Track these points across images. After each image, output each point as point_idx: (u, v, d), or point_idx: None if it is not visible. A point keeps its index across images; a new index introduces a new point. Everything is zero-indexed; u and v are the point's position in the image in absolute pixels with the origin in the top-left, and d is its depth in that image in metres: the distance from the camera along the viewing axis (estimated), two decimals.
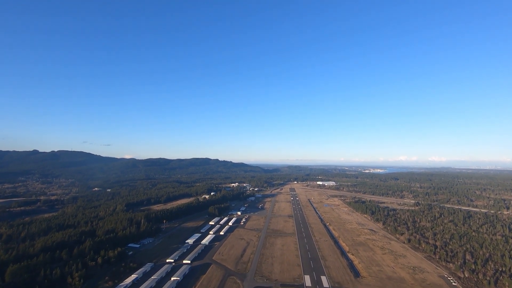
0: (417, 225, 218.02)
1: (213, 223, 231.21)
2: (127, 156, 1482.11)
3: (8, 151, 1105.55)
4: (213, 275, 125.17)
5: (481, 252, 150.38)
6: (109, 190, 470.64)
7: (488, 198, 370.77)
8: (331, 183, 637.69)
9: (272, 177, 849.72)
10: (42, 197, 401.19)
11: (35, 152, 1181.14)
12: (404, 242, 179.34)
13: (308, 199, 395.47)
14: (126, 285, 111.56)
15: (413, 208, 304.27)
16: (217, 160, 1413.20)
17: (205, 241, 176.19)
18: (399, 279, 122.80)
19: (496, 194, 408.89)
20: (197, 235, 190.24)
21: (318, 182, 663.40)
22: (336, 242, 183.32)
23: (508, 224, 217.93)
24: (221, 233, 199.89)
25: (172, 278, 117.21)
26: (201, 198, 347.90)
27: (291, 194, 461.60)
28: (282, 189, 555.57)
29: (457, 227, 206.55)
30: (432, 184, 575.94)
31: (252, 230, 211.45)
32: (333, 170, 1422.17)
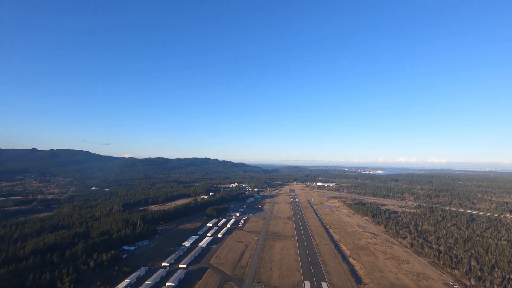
0: (420, 229, 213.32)
1: (211, 225, 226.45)
2: (127, 155, 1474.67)
3: (6, 149, 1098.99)
4: (209, 281, 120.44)
5: (486, 258, 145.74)
6: (107, 189, 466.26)
7: (490, 201, 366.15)
8: (331, 184, 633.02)
9: (271, 177, 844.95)
10: (39, 196, 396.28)
11: (34, 150, 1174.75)
12: (406, 247, 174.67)
13: (308, 200, 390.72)
14: None
15: (414, 210, 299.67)
16: (217, 160, 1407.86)
17: (202, 243, 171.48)
18: (402, 287, 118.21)
19: (498, 197, 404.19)
20: (194, 237, 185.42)
21: (317, 183, 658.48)
22: (336, 245, 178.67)
23: None
24: (219, 235, 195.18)
25: (167, 284, 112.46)
26: (199, 199, 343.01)
27: (290, 195, 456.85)
28: (281, 189, 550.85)
29: (461, 231, 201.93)
30: (432, 186, 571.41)
31: (251, 233, 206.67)
32: (333, 171, 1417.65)
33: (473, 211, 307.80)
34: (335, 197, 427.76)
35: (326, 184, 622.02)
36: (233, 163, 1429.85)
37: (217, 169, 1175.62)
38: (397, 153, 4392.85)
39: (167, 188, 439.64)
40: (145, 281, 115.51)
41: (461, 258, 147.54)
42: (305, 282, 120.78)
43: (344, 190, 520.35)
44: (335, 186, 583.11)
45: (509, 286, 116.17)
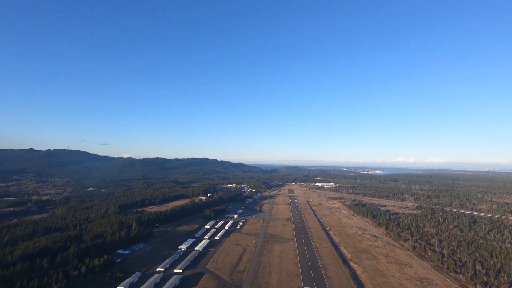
0: (421, 231, 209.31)
1: (208, 227, 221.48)
2: (125, 155, 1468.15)
3: (3, 149, 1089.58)
4: (205, 287, 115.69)
5: (491, 262, 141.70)
6: (103, 190, 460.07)
7: (491, 201, 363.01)
8: (330, 184, 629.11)
9: (270, 177, 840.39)
10: (34, 197, 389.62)
11: (31, 150, 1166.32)
12: (408, 250, 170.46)
13: (307, 201, 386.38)
14: None
15: (415, 212, 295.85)
16: (215, 160, 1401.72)
17: (199, 247, 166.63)
18: None
19: (498, 198, 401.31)
20: (191, 240, 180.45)
21: (317, 184, 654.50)
22: (337, 248, 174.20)
23: None
24: (217, 238, 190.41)
25: None
26: (197, 200, 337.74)
27: (289, 195, 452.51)
28: (280, 190, 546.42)
29: (463, 234, 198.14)
30: (432, 187, 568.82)
31: (249, 235, 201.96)
32: (332, 171, 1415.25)
33: (474, 212, 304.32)
34: (335, 198, 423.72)
35: (325, 185, 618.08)
36: (232, 163, 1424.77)
37: (215, 169, 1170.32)
38: (395, 153, 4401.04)
39: (165, 189, 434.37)
40: (139, 287, 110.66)
41: (466, 262, 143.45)
42: None
43: (344, 191, 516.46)
44: (334, 187, 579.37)
45: None
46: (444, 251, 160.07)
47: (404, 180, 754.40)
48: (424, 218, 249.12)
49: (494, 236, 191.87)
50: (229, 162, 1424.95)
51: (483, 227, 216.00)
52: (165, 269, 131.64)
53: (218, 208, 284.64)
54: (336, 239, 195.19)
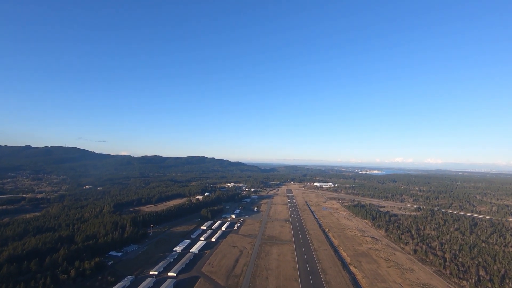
0: (422, 233, 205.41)
1: (205, 228, 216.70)
2: (123, 153, 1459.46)
3: None
4: None
5: (495, 267, 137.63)
6: (100, 188, 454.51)
7: (491, 203, 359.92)
8: (329, 184, 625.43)
9: (268, 177, 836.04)
10: (29, 195, 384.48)
11: (27, 147, 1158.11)
12: (409, 253, 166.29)
13: (306, 202, 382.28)
14: None
15: (415, 213, 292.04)
16: (213, 158, 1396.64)
17: (195, 249, 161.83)
18: None
19: (497, 200, 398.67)
20: (186, 242, 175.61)
21: (315, 183, 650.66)
22: (336, 251, 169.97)
23: None
24: (213, 239, 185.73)
25: None
26: (194, 199, 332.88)
27: (288, 195, 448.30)
28: (278, 190, 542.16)
29: (465, 237, 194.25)
30: (431, 188, 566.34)
31: (246, 236, 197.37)
32: (330, 171, 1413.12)
33: (474, 214, 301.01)
34: (333, 198, 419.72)
35: (323, 185, 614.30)
36: (230, 162, 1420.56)
37: (213, 168, 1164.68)
38: (394, 153, 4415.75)
39: (162, 188, 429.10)
40: None
41: (468, 267, 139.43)
42: None
43: (342, 191, 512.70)
44: (333, 187, 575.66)
45: None
46: (446, 255, 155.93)
47: (402, 181, 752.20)
48: (424, 220, 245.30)
49: (496, 240, 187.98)
50: (227, 160, 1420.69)
51: (485, 230, 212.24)
52: (159, 273, 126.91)
53: (215, 208, 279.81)
54: (335, 242, 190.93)
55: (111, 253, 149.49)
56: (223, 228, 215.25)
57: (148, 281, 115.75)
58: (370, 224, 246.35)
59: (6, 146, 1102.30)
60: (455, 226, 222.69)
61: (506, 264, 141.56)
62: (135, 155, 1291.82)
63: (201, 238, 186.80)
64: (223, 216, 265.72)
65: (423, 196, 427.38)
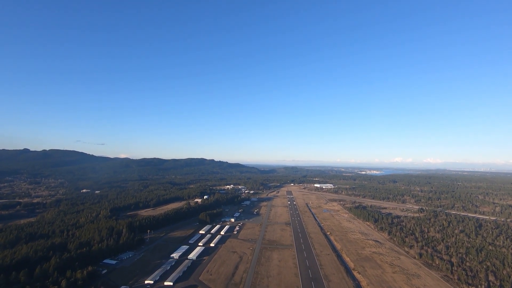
0: (426, 236, 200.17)
1: (203, 232, 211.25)
2: (122, 156, 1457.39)
3: None
4: None
5: (505, 272, 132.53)
6: (97, 192, 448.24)
7: (494, 203, 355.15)
8: (329, 185, 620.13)
9: (268, 178, 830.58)
10: (25, 199, 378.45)
11: (25, 151, 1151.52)
12: (415, 257, 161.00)
13: (306, 204, 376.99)
14: None
15: (417, 215, 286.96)
16: (213, 160, 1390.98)
17: (193, 255, 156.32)
18: None
19: (500, 199, 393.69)
20: (184, 248, 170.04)
21: (315, 185, 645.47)
22: (339, 256, 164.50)
23: None
24: (212, 244, 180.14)
25: None
26: (192, 203, 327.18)
27: (288, 197, 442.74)
28: (278, 192, 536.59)
29: (471, 239, 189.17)
30: (432, 188, 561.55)
31: (246, 241, 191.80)
32: (330, 172, 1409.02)
33: (477, 215, 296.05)
34: (334, 200, 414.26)
35: (324, 186, 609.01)
36: (230, 163, 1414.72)
37: (213, 170, 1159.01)
38: (393, 153, 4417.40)
39: (160, 191, 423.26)
40: None
41: (477, 271, 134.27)
42: None
43: (343, 192, 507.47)
44: (333, 188, 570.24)
45: None
46: (453, 259, 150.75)
47: (403, 181, 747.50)
48: (428, 222, 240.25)
49: (503, 242, 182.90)
50: (226, 162, 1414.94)
51: (490, 232, 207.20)
52: (155, 282, 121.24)
53: (214, 211, 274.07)
54: (338, 246, 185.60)
55: (106, 261, 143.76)
56: (222, 233, 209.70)
57: None
58: (372, 227, 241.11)
59: (4, 150, 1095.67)
60: (460, 228, 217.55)
61: None
62: (134, 158, 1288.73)
63: (199, 244, 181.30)
64: (222, 219, 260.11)
65: (425, 196, 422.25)
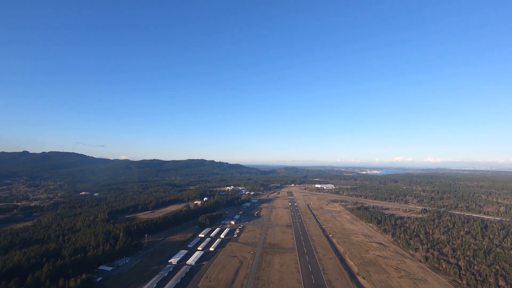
0: (431, 238, 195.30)
1: (202, 236, 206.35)
2: (122, 157, 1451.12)
3: None
4: None
5: None
6: (96, 194, 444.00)
7: (497, 203, 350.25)
8: (330, 186, 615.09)
9: (268, 179, 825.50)
10: (23, 202, 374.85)
11: (25, 153, 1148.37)
12: (420, 261, 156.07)
13: (307, 205, 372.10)
14: None
15: (421, 215, 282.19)
16: (213, 161, 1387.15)
17: (191, 260, 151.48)
18: None
19: (504, 199, 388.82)
20: (183, 252, 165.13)
21: (316, 185, 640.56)
22: (342, 260, 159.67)
23: None
24: (211, 248, 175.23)
25: None
26: (192, 205, 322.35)
27: (288, 198, 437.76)
28: (279, 192, 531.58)
29: (477, 241, 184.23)
30: (434, 188, 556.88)
31: (246, 245, 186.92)
32: (330, 172, 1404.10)
33: (482, 215, 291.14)
34: (335, 201, 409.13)
35: (325, 186, 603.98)
36: (230, 164, 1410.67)
37: (213, 171, 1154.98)
38: (393, 152, 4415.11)
39: (159, 193, 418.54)
40: None
41: (486, 276, 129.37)
42: None
43: (344, 193, 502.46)
44: (334, 188, 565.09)
45: None
46: (460, 263, 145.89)
47: (404, 181, 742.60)
48: (432, 223, 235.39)
49: (511, 244, 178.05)
50: (227, 163, 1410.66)
51: (497, 233, 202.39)
52: None
53: (214, 214, 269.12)
54: (341, 249, 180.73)
55: (101, 267, 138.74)
56: (222, 236, 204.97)
57: None
58: (375, 228, 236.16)
59: (3, 152, 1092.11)
60: (465, 229, 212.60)
61: None
62: (134, 159, 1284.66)
63: (198, 248, 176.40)
64: (222, 222, 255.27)
65: (427, 196, 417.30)
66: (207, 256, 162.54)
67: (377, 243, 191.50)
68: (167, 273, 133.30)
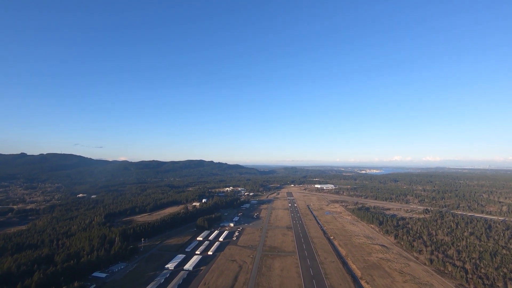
0: (434, 239, 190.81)
1: (201, 239, 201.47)
2: (121, 159, 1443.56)
3: None
4: None
5: None
6: (94, 196, 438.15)
7: (499, 202, 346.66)
8: (330, 186, 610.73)
9: (268, 179, 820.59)
10: (20, 205, 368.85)
11: (22, 155, 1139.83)
12: (425, 264, 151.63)
13: (307, 205, 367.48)
14: None
15: (423, 216, 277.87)
16: (212, 162, 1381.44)
17: (189, 265, 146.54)
18: None
19: (505, 198, 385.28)
20: (180, 257, 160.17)
21: (316, 185, 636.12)
22: (344, 263, 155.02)
23: None
24: (209, 252, 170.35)
25: None
26: (190, 207, 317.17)
27: (288, 199, 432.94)
28: (278, 193, 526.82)
29: (482, 242, 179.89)
30: (435, 187, 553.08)
31: (246, 248, 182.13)
32: (330, 171, 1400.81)
33: (485, 215, 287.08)
34: (336, 201, 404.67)
35: (325, 187, 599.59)
36: (229, 165, 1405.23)
37: (212, 172, 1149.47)
38: (392, 152, 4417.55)
39: (157, 195, 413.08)
40: None
41: (494, 279, 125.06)
42: None
43: (344, 193, 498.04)
44: (334, 189, 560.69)
45: None
46: (467, 266, 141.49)
47: (404, 180, 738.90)
48: (435, 224, 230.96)
49: None
50: (226, 163, 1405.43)
51: (502, 234, 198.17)
52: None
53: (213, 216, 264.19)
54: (343, 251, 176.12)
55: (95, 274, 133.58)
56: (220, 239, 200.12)
57: None
58: (377, 230, 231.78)
59: (0, 154, 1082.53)
60: (469, 230, 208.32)
61: None
62: (133, 160, 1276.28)
63: (196, 252, 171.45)
64: (221, 224, 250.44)
65: (429, 196, 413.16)
66: (205, 260, 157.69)
67: (380, 245, 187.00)
68: (163, 280, 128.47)
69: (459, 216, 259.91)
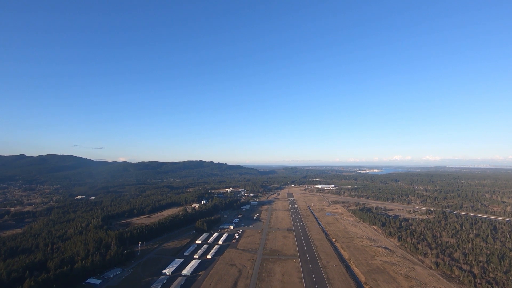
0: (439, 241, 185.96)
1: (200, 242, 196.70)
2: (121, 159, 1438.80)
3: None
4: None
5: None
6: (92, 198, 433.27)
7: (503, 202, 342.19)
8: (331, 186, 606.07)
9: (268, 180, 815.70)
10: (17, 207, 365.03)
11: (22, 156, 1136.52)
12: (431, 268, 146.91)
13: (308, 206, 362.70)
14: None
15: (426, 217, 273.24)
16: (212, 162, 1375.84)
17: (187, 270, 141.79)
18: None
19: (508, 198, 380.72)
20: (178, 261, 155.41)
21: (316, 186, 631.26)
22: (347, 267, 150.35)
23: None
24: (208, 256, 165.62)
25: None
26: (189, 208, 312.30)
27: (289, 200, 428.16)
28: (279, 194, 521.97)
29: (488, 245, 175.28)
30: (436, 187, 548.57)
31: (246, 251, 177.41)
32: (330, 171, 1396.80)
33: (489, 216, 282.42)
34: (337, 202, 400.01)
35: (325, 187, 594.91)
36: (229, 165, 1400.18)
37: (212, 172, 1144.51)
38: (392, 151, 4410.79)
39: (157, 196, 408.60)
40: None
41: (503, 284, 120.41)
42: None
43: (345, 193, 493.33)
44: (335, 189, 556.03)
45: None
46: (474, 270, 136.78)
47: (405, 180, 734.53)
48: (439, 225, 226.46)
49: None
50: (226, 164, 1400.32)
51: (508, 236, 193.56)
52: None
53: (212, 218, 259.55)
54: (345, 255, 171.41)
55: (89, 280, 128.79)
56: (220, 242, 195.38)
57: None
58: (380, 231, 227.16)
59: None
60: (474, 232, 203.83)
61: None
62: (133, 161, 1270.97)
63: (195, 256, 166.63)
64: (221, 227, 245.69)
65: (431, 196, 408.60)
66: (204, 265, 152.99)
67: (383, 247, 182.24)
68: (160, 286, 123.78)
69: (463, 217, 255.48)
